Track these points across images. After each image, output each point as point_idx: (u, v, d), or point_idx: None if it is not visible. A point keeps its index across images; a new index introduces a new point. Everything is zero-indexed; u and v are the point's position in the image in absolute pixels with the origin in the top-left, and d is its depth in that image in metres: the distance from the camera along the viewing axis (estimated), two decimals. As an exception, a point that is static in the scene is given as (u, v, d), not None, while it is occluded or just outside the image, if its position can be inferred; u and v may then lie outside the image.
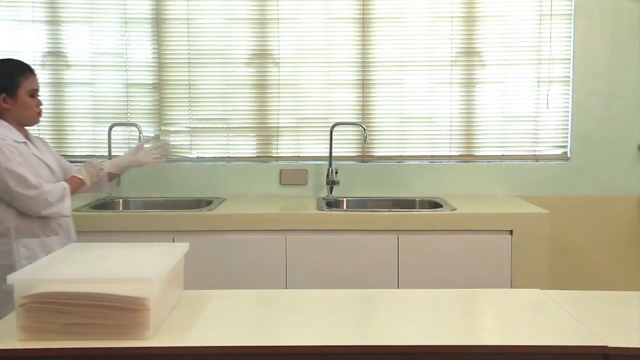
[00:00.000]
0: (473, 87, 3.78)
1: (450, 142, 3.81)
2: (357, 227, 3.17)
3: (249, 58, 3.76)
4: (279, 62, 3.76)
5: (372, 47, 3.76)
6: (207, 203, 3.50)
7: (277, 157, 3.82)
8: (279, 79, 3.77)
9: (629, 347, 1.61)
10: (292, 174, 3.77)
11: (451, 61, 3.76)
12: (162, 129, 3.79)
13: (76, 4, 3.74)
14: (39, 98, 2.48)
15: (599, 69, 3.74)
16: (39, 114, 2.47)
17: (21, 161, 2.35)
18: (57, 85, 3.77)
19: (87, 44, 3.76)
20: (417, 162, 3.80)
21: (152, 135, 3.79)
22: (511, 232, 3.17)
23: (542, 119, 3.80)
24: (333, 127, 3.68)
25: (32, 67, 2.51)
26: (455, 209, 3.27)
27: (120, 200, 3.67)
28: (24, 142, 2.43)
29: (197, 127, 3.80)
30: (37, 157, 2.46)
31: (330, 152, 3.67)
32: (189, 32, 3.75)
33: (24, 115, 2.43)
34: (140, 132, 3.55)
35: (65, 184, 2.49)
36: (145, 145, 2.76)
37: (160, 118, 3.79)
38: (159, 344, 1.61)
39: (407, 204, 3.62)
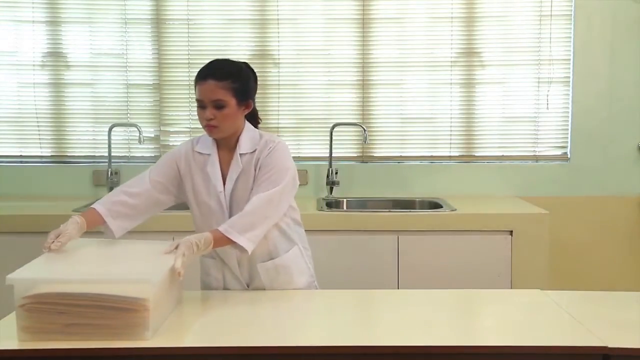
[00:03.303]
0: (473, 87, 3.78)
1: (450, 143, 3.81)
2: (357, 227, 3.17)
3: (249, 58, 3.76)
4: (279, 63, 3.76)
5: (372, 48, 3.76)
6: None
7: (277, 157, 3.81)
8: (279, 79, 3.76)
9: (629, 347, 1.62)
10: (292, 174, 3.76)
11: (451, 62, 3.76)
12: (162, 129, 3.79)
13: (76, 5, 3.74)
14: (213, 111, 2.07)
15: (599, 69, 3.74)
16: (207, 127, 2.09)
17: (162, 164, 2.19)
18: (57, 85, 3.77)
19: (87, 44, 3.76)
20: (417, 163, 3.80)
21: (152, 135, 3.79)
22: (511, 232, 3.16)
23: (542, 120, 3.80)
24: (333, 127, 3.68)
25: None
26: (455, 210, 3.27)
27: (120, 200, 3.67)
28: (207, 154, 2.17)
29: (197, 128, 3.79)
30: (207, 172, 2.15)
31: (330, 153, 3.67)
32: (189, 32, 3.75)
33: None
34: (140, 132, 3.55)
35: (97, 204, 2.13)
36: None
37: (160, 118, 3.79)
38: (158, 344, 1.61)
39: (407, 204, 3.61)
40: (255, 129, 2.22)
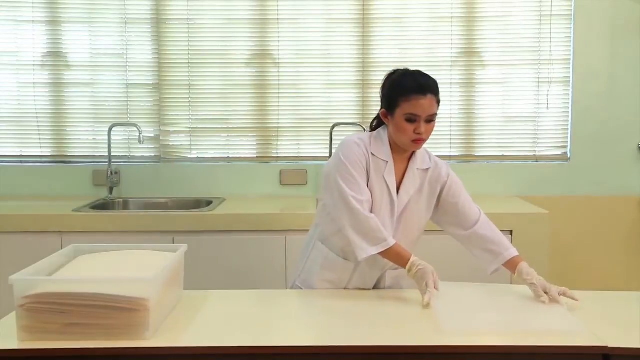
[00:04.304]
0: (473, 87, 3.78)
1: (450, 143, 3.81)
2: (357, 227, 3.16)
3: (249, 58, 3.76)
4: (279, 62, 3.76)
5: (372, 48, 3.76)
6: (207, 203, 3.50)
7: (277, 157, 3.81)
8: (279, 79, 3.76)
9: (629, 347, 1.62)
10: (292, 174, 3.77)
11: (451, 62, 3.76)
12: (162, 129, 3.79)
13: (76, 4, 3.74)
14: (425, 124, 2.04)
15: (599, 69, 3.74)
16: (415, 142, 2.06)
17: (353, 171, 2.07)
18: (57, 85, 3.77)
19: (87, 44, 3.76)
20: (417, 163, 3.80)
21: (152, 135, 3.79)
22: (511, 232, 3.16)
23: (542, 120, 3.80)
24: (333, 127, 3.68)
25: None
26: (455, 209, 3.26)
27: (120, 200, 3.67)
28: (385, 161, 2.12)
29: (197, 128, 3.80)
30: (385, 179, 2.11)
31: (331, 153, 3.67)
32: (189, 32, 3.75)
33: (397, 137, 2.09)
34: (140, 132, 3.55)
35: (388, 237, 2.03)
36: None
37: (160, 118, 3.79)
38: (158, 344, 1.61)
39: (407, 204, 3.61)
40: None
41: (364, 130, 3.60)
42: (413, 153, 2.17)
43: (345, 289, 2.19)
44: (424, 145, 2.18)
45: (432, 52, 3.76)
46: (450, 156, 3.81)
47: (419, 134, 2.04)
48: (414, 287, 2.13)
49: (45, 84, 3.77)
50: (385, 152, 2.13)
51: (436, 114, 2.07)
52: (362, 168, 2.09)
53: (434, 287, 1.95)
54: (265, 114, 3.80)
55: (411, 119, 2.04)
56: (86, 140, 3.82)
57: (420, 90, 2.02)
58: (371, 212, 2.08)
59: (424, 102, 2.02)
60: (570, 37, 3.74)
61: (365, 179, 2.10)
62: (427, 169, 2.20)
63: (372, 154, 2.12)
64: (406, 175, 2.15)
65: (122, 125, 3.74)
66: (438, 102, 2.07)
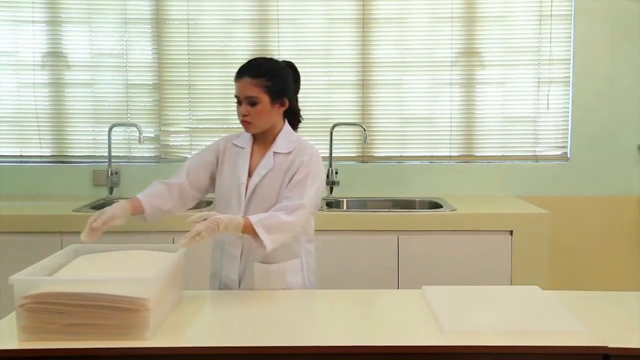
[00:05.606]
0: (473, 87, 3.78)
1: (450, 143, 3.81)
2: (357, 227, 3.17)
3: (249, 58, 3.75)
4: (279, 63, 3.76)
5: (372, 48, 3.76)
6: (207, 203, 3.50)
7: (277, 157, 3.81)
8: (279, 79, 3.76)
9: (629, 347, 1.62)
10: (292, 174, 3.76)
11: (451, 62, 3.76)
12: (162, 129, 3.79)
13: (76, 5, 3.74)
14: (248, 107, 2.15)
15: (599, 69, 3.74)
16: (243, 123, 2.18)
17: (204, 155, 2.29)
18: (57, 85, 3.77)
19: (87, 44, 3.77)
20: (417, 163, 3.80)
21: (152, 135, 3.79)
22: (511, 232, 3.16)
23: (542, 120, 3.80)
24: (333, 127, 3.68)
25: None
26: (455, 209, 3.27)
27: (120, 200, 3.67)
28: (242, 148, 2.24)
29: (197, 128, 3.80)
30: (236, 163, 2.23)
31: (330, 153, 3.67)
32: (189, 32, 3.75)
33: None
34: (140, 132, 3.55)
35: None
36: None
37: (160, 118, 3.79)
38: (158, 344, 1.61)
39: (407, 204, 3.61)
40: (294, 132, 2.31)
41: (364, 130, 3.60)
42: (274, 138, 2.23)
43: (221, 284, 2.23)
44: (302, 134, 2.35)
45: (432, 52, 3.76)
46: (450, 156, 3.81)
47: (242, 115, 2.16)
48: (292, 287, 2.15)
49: (45, 84, 3.77)
50: (245, 140, 2.26)
51: (257, 97, 2.14)
52: (201, 160, 2.27)
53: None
54: (265, 114, 3.79)
55: (238, 102, 2.17)
56: (86, 140, 3.82)
57: (237, 73, 2.18)
58: (221, 196, 2.24)
59: (238, 84, 2.16)
60: (570, 37, 3.74)
61: (199, 171, 2.26)
62: (289, 153, 2.21)
63: (234, 144, 2.26)
64: (263, 158, 2.21)
65: (122, 125, 3.74)
66: (264, 85, 2.14)
